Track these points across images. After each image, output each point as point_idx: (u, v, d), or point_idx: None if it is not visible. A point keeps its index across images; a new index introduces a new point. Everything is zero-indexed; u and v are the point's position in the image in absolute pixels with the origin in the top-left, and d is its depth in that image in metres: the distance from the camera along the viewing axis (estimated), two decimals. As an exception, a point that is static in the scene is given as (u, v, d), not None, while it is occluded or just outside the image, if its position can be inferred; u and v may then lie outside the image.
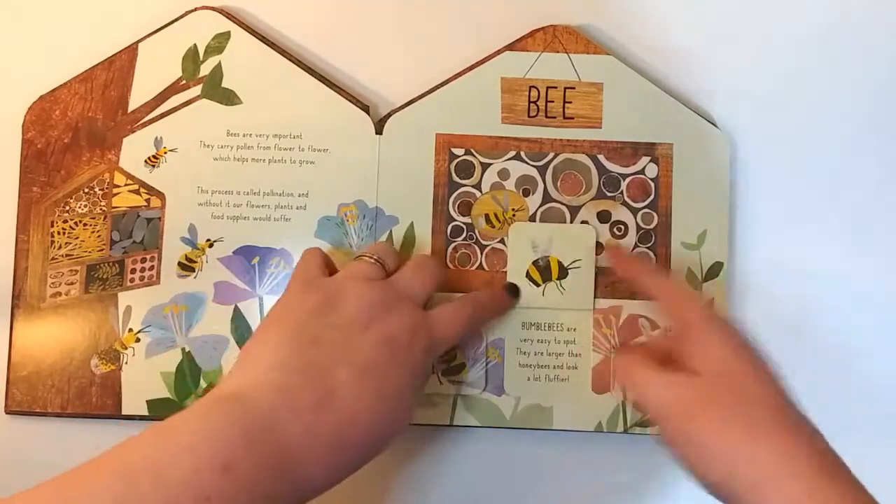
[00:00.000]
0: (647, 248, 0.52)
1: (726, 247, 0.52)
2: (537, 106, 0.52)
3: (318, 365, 0.40)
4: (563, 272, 0.51)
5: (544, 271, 0.51)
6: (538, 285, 0.51)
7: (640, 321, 0.51)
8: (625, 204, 0.52)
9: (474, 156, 0.52)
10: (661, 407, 0.42)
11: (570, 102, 0.52)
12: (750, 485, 0.37)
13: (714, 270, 0.51)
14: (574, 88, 0.52)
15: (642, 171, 0.52)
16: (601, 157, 0.52)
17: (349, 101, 0.53)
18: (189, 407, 0.38)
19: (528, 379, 0.51)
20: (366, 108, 0.53)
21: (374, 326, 0.42)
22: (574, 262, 0.51)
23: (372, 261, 0.46)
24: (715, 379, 0.41)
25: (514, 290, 0.51)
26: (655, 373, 0.42)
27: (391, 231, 0.52)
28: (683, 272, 0.51)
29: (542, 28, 0.52)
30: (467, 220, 0.52)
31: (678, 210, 0.52)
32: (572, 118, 0.52)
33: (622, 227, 0.52)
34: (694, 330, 0.43)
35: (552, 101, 0.52)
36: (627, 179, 0.52)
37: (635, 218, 0.52)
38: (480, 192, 0.52)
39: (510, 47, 0.52)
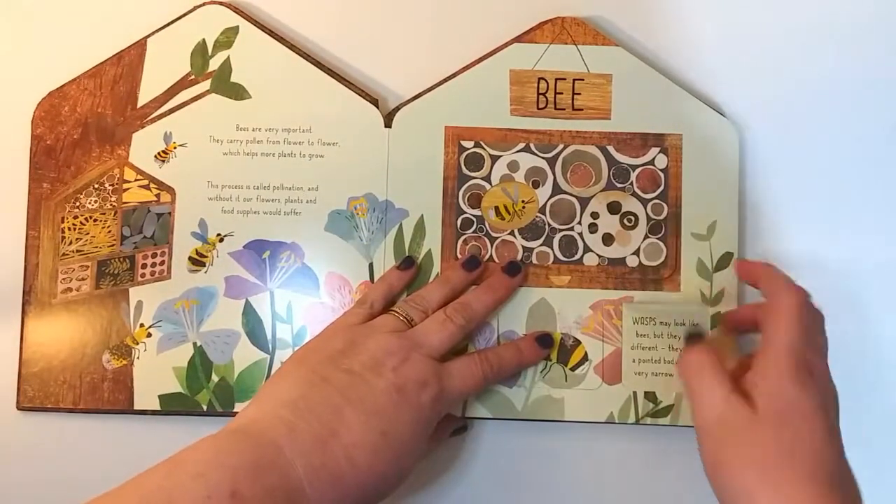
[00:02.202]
0: (658, 238, 0.49)
1: (736, 237, 0.49)
2: (546, 98, 0.50)
3: (325, 406, 0.40)
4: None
5: None
6: None
7: (651, 311, 0.49)
8: (634, 195, 0.49)
9: (483, 148, 0.50)
10: (704, 419, 0.40)
11: (578, 94, 0.50)
12: None
13: (724, 261, 0.49)
14: (583, 80, 0.50)
15: (652, 162, 0.50)
16: (610, 149, 0.50)
17: (358, 94, 0.51)
18: (201, 438, 0.39)
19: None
20: (374, 102, 0.51)
21: (386, 374, 0.42)
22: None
23: (400, 318, 0.45)
24: (768, 417, 0.39)
25: (546, 342, 0.48)
26: (717, 384, 0.40)
27: (401, 224, 0.50)
28: (694, 263, 0.49)
29: (551, 20, 0.50)
30: (477, 212, 0.50)
31: (688, 201, 0.49)
32: (581, 109, 0.50)
33: (632, 218, 0.49)
34: (771, 355, 0.40)
35: (561, 93, 0.50)
36: (637, 170, 0.50)
37: (645, 209, 0.49)
38: (490, 184, 0.50)
39: (518, 39, 0.50)
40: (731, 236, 0.49)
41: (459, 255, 0.49)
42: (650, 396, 0.48)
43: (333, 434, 0.40)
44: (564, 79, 0.50)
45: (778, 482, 0.37)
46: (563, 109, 0.50)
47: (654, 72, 0.50)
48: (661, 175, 0.49)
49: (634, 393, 0.48)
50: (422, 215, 0.50)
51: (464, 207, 0.50)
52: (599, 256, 0.49)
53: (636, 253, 0.49)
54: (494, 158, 0.50)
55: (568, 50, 0.50)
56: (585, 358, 0.48)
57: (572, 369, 0.48)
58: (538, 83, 0.50)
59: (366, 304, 0.47)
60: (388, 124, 0.50)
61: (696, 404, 0.41)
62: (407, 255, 0.49)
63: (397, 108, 0.50)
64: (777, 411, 0.39)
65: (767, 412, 0.39)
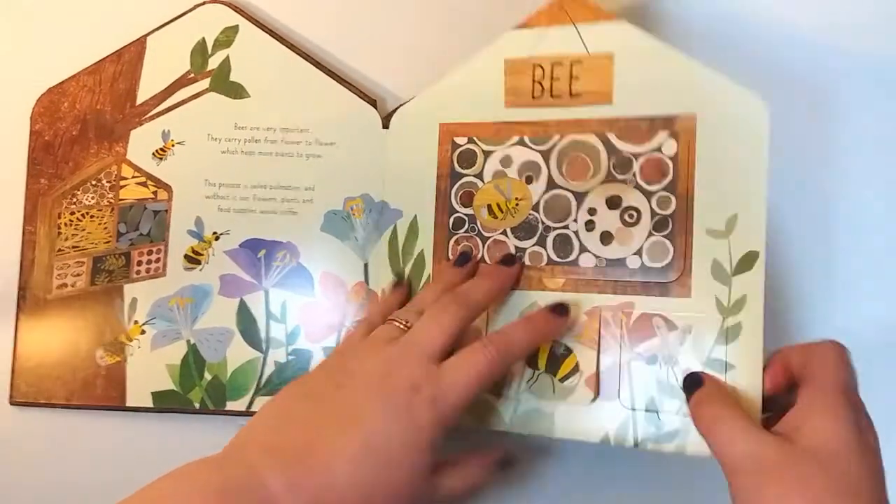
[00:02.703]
0: (664, 236, 0.43)
1: (762, 234, 0.41)
2: (542, 85, 0.45)
3: (303, 420, 0.38)
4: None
5: None
6: None
7: (655, 320, 0.42)
8: (638, 187, 0.43)
9: (477, 144, 0.46)
10: (732, 457, 0.35)
11: (576, 78, 0.44)
12: None
13: (747, 262, 0.41)
14: (581, 62, 0.45)
15: (658, 149, 0.43)
16: (611, 136, 0.44)
17: (357, 95, 0.48)
18: (175, 468, 0.37)
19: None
20: (373, 103, 0.48)
21: (372, 383, 0.38)
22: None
23: (395, 324, 0.41)
24: (807, 453, 0.34)
25: (562, 310, 0.42)
26: (744, 422, 0.36)
27: (395, 224, 0.47)
28: (709, 265, 0.42)
29: (549, 3, 0.45)
30: (469, 211, 0.46)
31: (702, 192, 0.42)
32: (579, 95, 0.44)
33: (634, 213, 0.43)
34: (817, 393, 0.36)
35: (557, 79, 0.45)
36: (641, 159, 0.43)
37: (650, 202, 0.43)
38: (482, 181, 0.46)
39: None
40: (755, 232, 0.41)
41: (451, 256, 0.46)
42: (652, 418, 0.42)
43: (310, 447, 0.37)
44: (561, 63, 0.45)
45: None
46: (560, 97, 0.45)
47: (662, 45, 0.43)
48: (670, 163, 0.43)
49: (634, 412, 0.42)
50: (415, 216, 0.46)
51: (456, 206, 0.46)
52: (597, 257, 0.43)
53: (638, 253, 0.43)
54: (487, 154, 0.46)
55: (566, 31, 0.45)
56: (576, 369, 0.43)
57: (561, 380, 0.43)
58: (534, 71, 0.45)
59: (364, 323, 0.44)
60: (385, 125, 0.48)
61: (719, 446, 0.36)
62: (394, 277, 0.47)
63: (395, 109, 0.48)
64: (825, 448, 0.33)
65: (814, 448, 0.34)
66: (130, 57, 0.50)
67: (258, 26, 0.50)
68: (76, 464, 0.49)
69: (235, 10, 0.50)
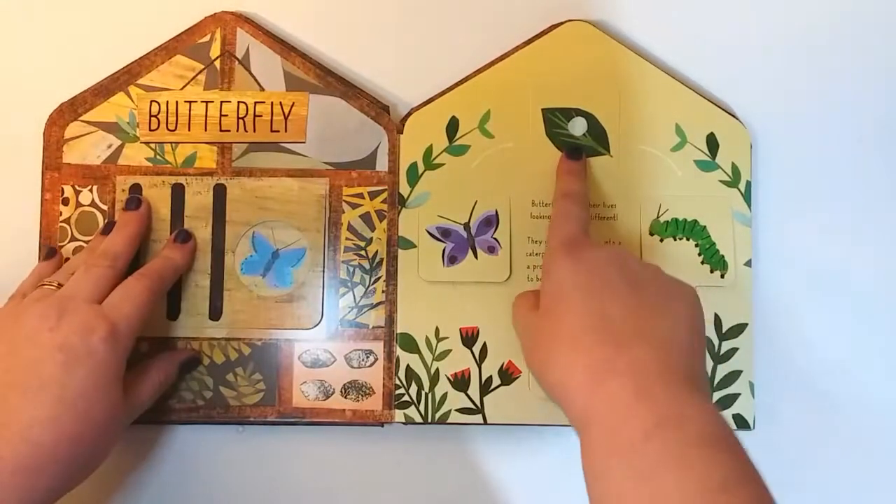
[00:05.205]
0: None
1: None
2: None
3: None
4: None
5: None
6: None
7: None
8: None
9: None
10: (519, 336, 0.43)
11: None
12: (574, 387, 0.35)
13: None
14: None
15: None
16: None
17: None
18: None
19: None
20: (386, 109, 0.48)
21: (43, 340, 0.38)
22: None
23: (46, 286, 0.41)
24: (544, 311, 0.39)
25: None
26: (519, 310, 0.42)
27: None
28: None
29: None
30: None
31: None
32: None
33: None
34: (545, 263, 0.41)
35: None
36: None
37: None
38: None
39: (528, 43, 0.48)
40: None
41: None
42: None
43: (3, 426, 0.36)
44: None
45: (566, 349, 0.36)
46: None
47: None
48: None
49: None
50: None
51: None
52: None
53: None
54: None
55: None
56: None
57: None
58: None
59: (16, 294, 0.44)
60: (400, 130, 0.48)
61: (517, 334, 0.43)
62: (47, 250, 0.46)
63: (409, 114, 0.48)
64: (547, 305, 0.39)
65: (543, 307, 0.39)
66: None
67: (268, 37, 0.48)
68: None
69: (245, 22, 0.48)
